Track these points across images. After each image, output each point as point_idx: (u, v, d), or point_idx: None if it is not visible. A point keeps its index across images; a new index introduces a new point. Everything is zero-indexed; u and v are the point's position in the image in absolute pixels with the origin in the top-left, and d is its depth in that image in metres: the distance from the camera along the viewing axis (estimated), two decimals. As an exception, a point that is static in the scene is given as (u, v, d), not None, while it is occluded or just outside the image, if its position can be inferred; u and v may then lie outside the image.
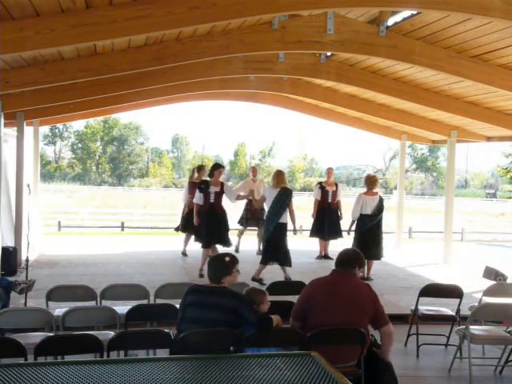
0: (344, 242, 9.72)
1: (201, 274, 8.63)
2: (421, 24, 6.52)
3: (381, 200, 8.98)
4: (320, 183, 10.86)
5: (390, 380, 4.16)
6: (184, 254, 10.66)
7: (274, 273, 8.59)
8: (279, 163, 65.15)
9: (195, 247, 9.75)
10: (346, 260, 4.34)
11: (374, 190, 9.00)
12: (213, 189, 8.70)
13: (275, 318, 4.13)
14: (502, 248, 15.78)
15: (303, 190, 52.55)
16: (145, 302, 5.25)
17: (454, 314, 5.90)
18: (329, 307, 4.09)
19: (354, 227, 9.26)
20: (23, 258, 8.38)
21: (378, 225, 8.99)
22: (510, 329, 5.53)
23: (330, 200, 10.52)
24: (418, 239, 17.73)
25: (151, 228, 18.90)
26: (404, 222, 13.70)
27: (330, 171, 10.82)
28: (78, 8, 5.06)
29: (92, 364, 2.89)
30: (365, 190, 9.13)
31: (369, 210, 8.87)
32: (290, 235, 8.78)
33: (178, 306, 4.18)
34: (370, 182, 9.03)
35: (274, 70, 8.59)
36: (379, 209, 8.92)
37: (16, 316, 4.64)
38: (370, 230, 8.88)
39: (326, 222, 10.51)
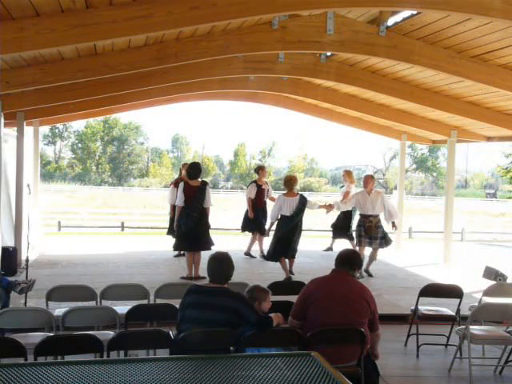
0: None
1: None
2: (421, 24, 6.51)
3: (301, 201, 8.64)
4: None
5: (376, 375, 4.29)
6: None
7: (274, 273, 8.60)
8: (279, 163, 65.29)
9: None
10: (347, 260, 4.35)
11: (294, 191, 8.73)
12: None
13: (276, 317, 4.13)
14: (502, 248, 15.76)
15: (303, 190, 52.50)
16: (145, 302, 5.26)
17: (454, 313, 5.89)
18: (328, 305, 4.10)
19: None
20: (23, 257, 8.38)
21: (297, 225, 8.68)
22: (510, 329, 5.53)
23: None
24: (418, 239, 17.71)
25: (151, 228, 18.86)
26: (404, 222, 13.70)
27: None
28: (77, 8, 5.06)
29: (92, 364, 2.88)
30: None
31: (288, 212, 8.53)
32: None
33: (177, 306, 4.18)
34: (288, 182, 8.75)
35: (273, 69, 8.57)
36: (299, 210, 8.59)
37: (16, 316, 4.64)
38: (290, 231, 8.58)
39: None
